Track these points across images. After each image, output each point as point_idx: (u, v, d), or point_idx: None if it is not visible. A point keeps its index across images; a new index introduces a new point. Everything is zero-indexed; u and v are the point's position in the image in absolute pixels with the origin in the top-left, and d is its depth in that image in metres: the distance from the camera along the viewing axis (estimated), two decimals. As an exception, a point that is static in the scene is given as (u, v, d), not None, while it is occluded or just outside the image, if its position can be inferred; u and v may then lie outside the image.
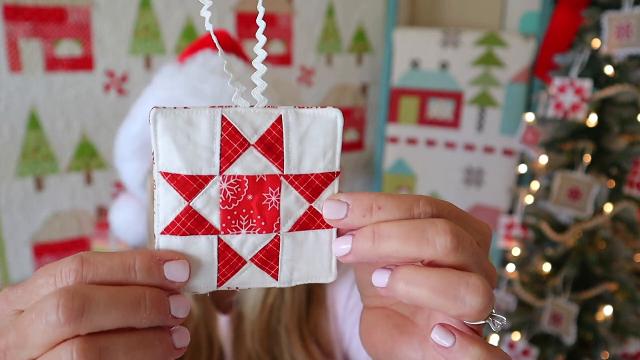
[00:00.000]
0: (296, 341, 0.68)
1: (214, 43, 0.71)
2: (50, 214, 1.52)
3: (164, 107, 0.29)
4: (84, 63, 1.48)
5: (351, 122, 2.01)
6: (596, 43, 1.28)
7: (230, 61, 0.30)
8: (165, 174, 0.30)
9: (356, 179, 2.09)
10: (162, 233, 0.30)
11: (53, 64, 1.44)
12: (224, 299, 0.74)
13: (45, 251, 1.54)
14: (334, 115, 0.31)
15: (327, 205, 0.31)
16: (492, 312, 0.29)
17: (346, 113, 1.98)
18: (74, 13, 1.43)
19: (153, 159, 0.30)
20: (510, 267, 1.47)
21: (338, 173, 0.32)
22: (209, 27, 0.30)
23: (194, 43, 0.72)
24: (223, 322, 0.70)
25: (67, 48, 1.45)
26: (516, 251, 1.48)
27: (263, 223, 0.31)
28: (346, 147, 2.02)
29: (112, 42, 1.50)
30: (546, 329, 1.36)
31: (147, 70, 1.56)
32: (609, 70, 1.27)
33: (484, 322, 0.29)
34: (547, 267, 1.39)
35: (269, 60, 1.77)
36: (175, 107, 0.29)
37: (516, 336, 1.38)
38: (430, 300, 0.28)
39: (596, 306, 1.34)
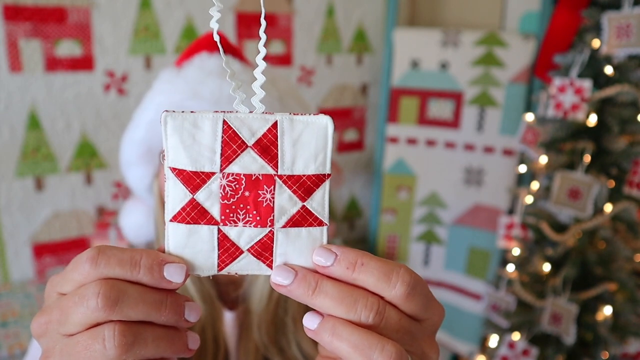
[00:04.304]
0: (303, 330, 0.69)
1: (210, 45, 0.72)
2: (50, 214, 1.52)
3: (174, 111, 0.33)
4: (84, 63, 1.48)
5: (351, 122, 2.01)
6: (596, 43, 1.28)
7: (231, 66, 0.32)
8: (173, 169, 0.34)
9: (356, 179, 2.09)
10: (171, 220, 0.34)
11: (53, 64, 1.44)
12: (231, 295, 0.74)
13: (45, 251, 1.54)
14: (325, 122, 0.34)
15: (318, 252, 0.34)
16: None
17: (346, 113, 1.98)
18: (74, 13, 1.43)
19: (163, 156, 0.34)
20: (510, 267, 1.48)
21: (329, 175, 0.35)
22: (214, 26, 0.33)
23: (190, 47, 0.74)
24: (229, 319, 0.71)
25: (67, 48, 1.45)
26: (516, 251, 1.48)
27: (258, 218, 0.34)
28: (346, 147, 2.02)
29: (112, 42, 1.50)
30: (546, 329, 1.36)
31: (147, 70, 1.56)
32: (608, 70, 1.27)
33: None
34: (547, 267, 1.39)
35: (269, 60, 1.77)
36: (183, 112, 0.33)
37: (516, 336, 1.38)
38: (349, 354, 0.32)
39: (596, 306, 1.34)
